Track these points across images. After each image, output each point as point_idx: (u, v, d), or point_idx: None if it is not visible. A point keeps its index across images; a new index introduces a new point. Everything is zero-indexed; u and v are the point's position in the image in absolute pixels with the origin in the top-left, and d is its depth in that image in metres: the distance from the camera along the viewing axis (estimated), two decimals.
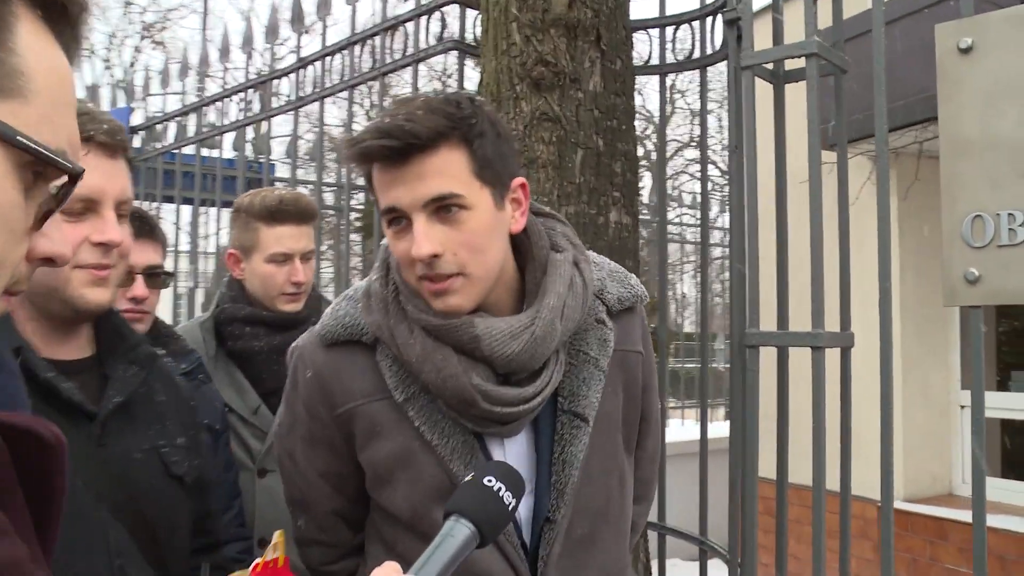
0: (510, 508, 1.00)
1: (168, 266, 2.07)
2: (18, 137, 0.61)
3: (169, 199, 4.58)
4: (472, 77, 3.23)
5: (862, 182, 4.91)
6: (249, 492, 2.11)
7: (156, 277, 1.92)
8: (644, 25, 2.83)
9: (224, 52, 4.11)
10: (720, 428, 4.56)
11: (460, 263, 1.28)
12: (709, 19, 2.77)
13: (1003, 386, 5.59)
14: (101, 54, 14.91)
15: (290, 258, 2.19)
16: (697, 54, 2.80)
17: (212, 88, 4.45)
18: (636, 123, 2.72)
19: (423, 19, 3.17)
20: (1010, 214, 1.51)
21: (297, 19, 3.66)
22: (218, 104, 4.24)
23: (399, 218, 1.29)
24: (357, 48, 3.46)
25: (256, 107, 4.01)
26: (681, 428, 7.41)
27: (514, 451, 1.38)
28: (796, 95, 2.33)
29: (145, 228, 1.91)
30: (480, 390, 1.29)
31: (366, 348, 1.40)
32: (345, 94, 3.64)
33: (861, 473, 2.21)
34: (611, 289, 1.48)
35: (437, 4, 3.09)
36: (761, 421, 2.17)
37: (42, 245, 0.67)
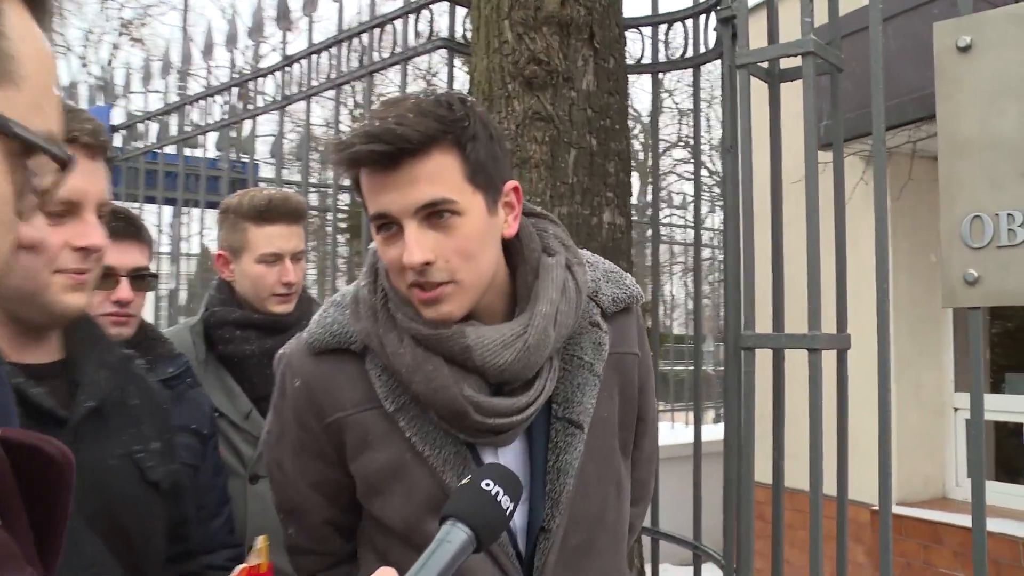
0: (508, 512, 0.99)
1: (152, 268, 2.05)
2: (10, 125, 0.60)
3: (151, 199, 4.56)
4: (460, 76, 3.23)
5: (855, 182, 4.95)
6: (240, 498, 2.10)
7: (142, 279, 1.90)
8: (637, 23, 2.84)
9: (207, 50, 4.09)
10: (710, 431, 4.57)
11: (452, 270, 1.26)
12: (703, 17, 2.78)
13: (996, 388, 5.63)
14: (78, 51, 14.82)
15: (280, 258, 2.18)
16: (690, 53, 2.81)
17: (195, 87, 4.42)
18: None
19: (411, 17, 3.16)
20: (1009, 214, 1.52)
21: (282, 16, 3.65)
22: (201, 103, 4.23)
23: (389, 224, 1.27)
24: (344, 46, 3.45)
25: (240, 106, 3.99)
26: (671, 431, 7.42)
27: (508, 460, 1.37)
28: (787, 94, 2.34)
29: (130, 229, 1.89)
30: (472, 401, 1.27)
31: (355, 356, 1.38)
32: (331, 93, 3.63)
33: (853, 476, 2.21)
34: (605, 290, 1.46)
35: (425, 2, 3.08)
36: (755, 424, 2.18)
37: (26, 232, 0.66)
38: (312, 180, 4.82)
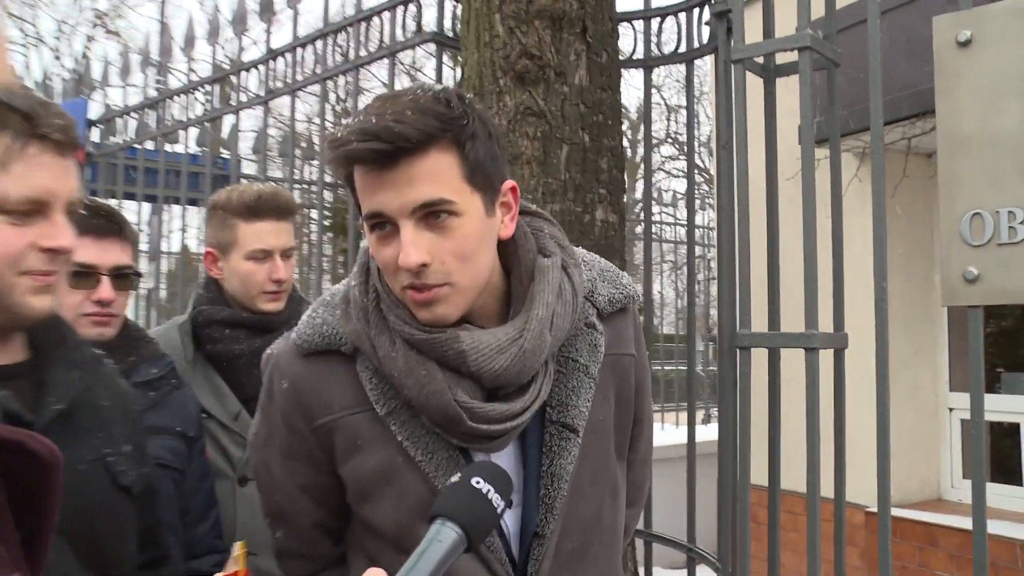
0: (498, 510, 0.99)
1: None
2: None
3: (130, 196, 4.54)
4: (447, 71, 3.23)
5: (848, 179, 4.97)
6: (228, 501, 2.09)
7: (124, 278, 1.88)
8: (629, 17, 2.85)
9: (188, 43, 4.07)
10: (700, 432, 4.59)
11: (448, 272, 1.25)
12: (696, 11, 2.79)
13: (991, 388, 5.67)
14: (50, 43, 14.71)
15: (270, 255, 2.17)
16: (683, 47, 2.82)
17: (175, 81, 4.41)
18: None
19: (399, 10, 3.16)
20: (1010, 212, 1.54)
21: (266, 8, 3.64)
22: (181, 97, 4.21)
23: (383, 223, 1.25)
24: (329, 40, 3.45)
25: (223, 101, 3.98)
26: (660, 432, 7.44)
27: (501, 463, 1.37)
28: (778, 90, 2.35)
29: (112, 226, 1.87)
30: (465, 408, 1.27)
31: (345, 358, 1.37)
32: (315, 88, 3.62)
33: (847, 477, 2.23)
34: (601, 290, 1.46)
35: None
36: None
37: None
38: (296, 177, 4.80)
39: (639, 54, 2.87)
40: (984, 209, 1.58)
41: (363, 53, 3.33)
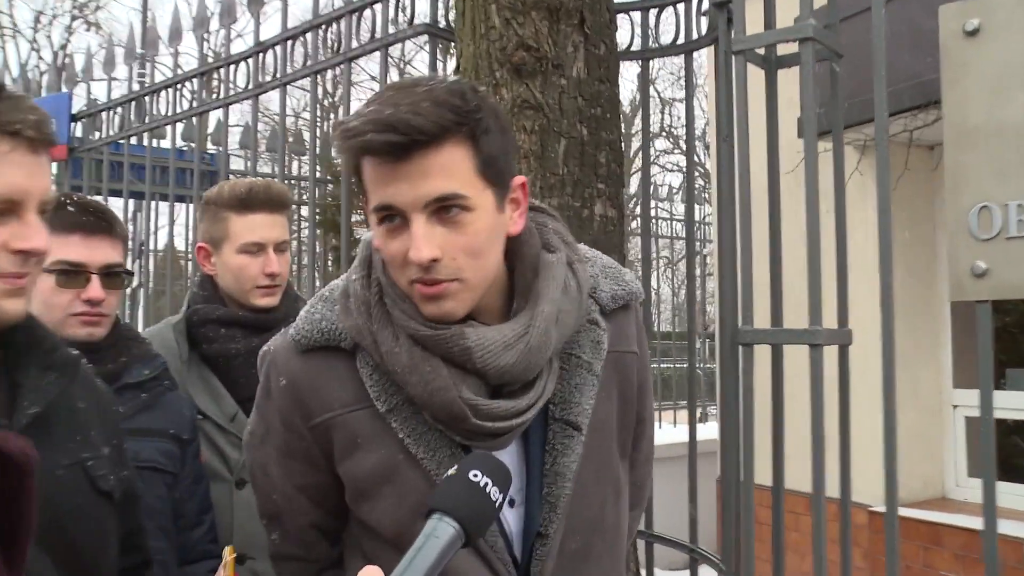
0: (497, 504, 0.99)
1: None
2: None
3: (115, 192, 4.52)
4: (440, 64, 3.23)
5: (848, 173, 4.99)
6: (225, 504, 2.09)
7: (115, 277, 1.87)
8: (627, 8, 2.85)
9: (174, 35, 4.06)
10: (698, 431, 4.60)
11: (458, 268, 1.25)
12: (694, 2, 2.80)
13: (996, 384, 5.70)
14: (28, 35, 14.64)
15: (263, 248, 2.17)
16: (681, 39, 2.82)
17: (160, 74, 4.39)
18: None
19: (391, 1, 3.15)
20: (1019, 204, 1.55)
21: (254, 1, 3.64)
22: (168, 91, 4.19)
23: (393, 216, 1.25)
24: (320, 32, 3.44)
25: (210, 94, 3.97)
26: (657, 431, 7.43)
27: (503, 462, 1.38)
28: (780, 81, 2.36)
29: (101, 223, 1.86)
30: (470, 405, 1.27)
31: (345, 354, 1.37)
32: (305, 81, 3.61)
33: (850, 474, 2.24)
34: (604, 287, 1.46)
35: None
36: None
37: None
38: (285, 172, 4.79)
39: (636, 46, 2.88)
40: (992, 202, 1.58)
41: (354, 45, 3.32)
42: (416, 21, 3.10)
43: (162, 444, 1.89)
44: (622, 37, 2.85)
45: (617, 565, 1.49)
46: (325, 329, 1.38)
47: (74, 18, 14.99)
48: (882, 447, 2.07)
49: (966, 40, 1.61)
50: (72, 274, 1.81)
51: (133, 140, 4.46)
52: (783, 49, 2.33)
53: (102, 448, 1.41)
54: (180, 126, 4.21)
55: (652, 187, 8.98)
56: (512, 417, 1.30)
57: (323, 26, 3.41)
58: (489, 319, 1.34)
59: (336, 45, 3.37)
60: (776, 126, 2.35)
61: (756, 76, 2.35)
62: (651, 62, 2.97)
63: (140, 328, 3.53)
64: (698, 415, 8.96)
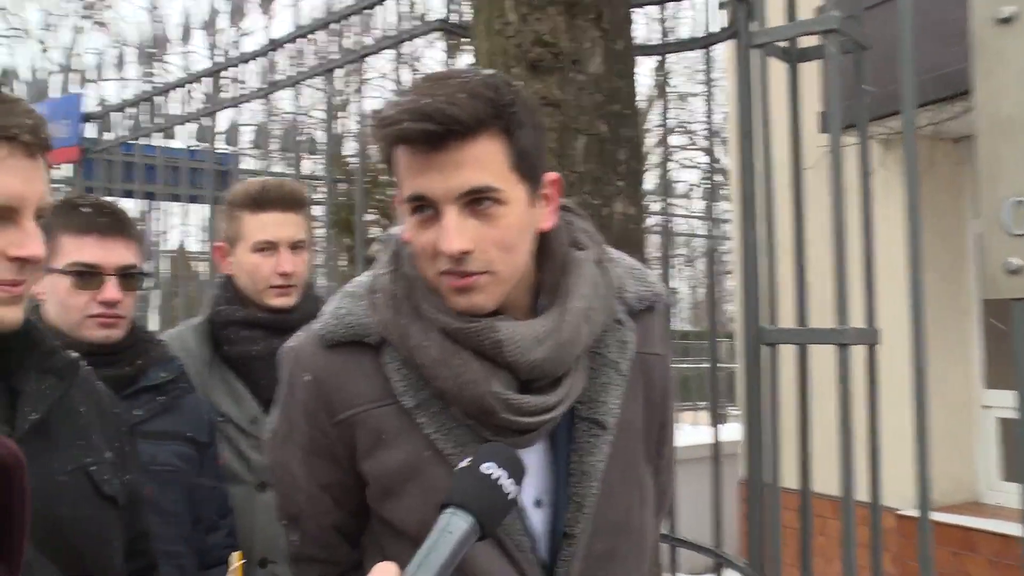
0: (510, 496, 0.98)
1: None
2: None
3: (128, 193, 4.54)
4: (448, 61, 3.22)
5: (872, 168, 4.96)
6: (247, 508, 2.09)
7: (131, 278, 1.89)
8: (645, 2, 2.83)
9: (185, 34, 4.07)
10: (727, 432, 4.59)
11: (489, 261, 1.26)
12: None
13: None
14: (37, 35, 14.73)
15: (276, 247, 2.18)
16: (700, 33, 2.81)
17: (170, 73, 4.41)
18: None
19: None
20: None
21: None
22: (179, 90, 4.20)
23: (425, 206, 1.26)
24: (332, 30, 3.44)
25: (223, 93, 3.98)
26: (678, 432, 7.41)
27: (530, 461, 1.36)
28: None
29: (117, 225, 1.88)
30: (500, 399, 1.27)
31: (370, 349, 1.37)
32: (317, 79, 3.62)
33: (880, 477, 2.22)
34: (630, 287, 1.47)
35: None
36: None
37: None
38: (299, 171, 4.80)
39: (652, 40, 2.86)
40: None
41: (367, 42, 3.32)
42: (429, 18, 3.10)
43: (179, 447, 1.90)
44: (638, 31, 2.84)
45: (642, 568, 1.49)
46: (351, 324, 1.38)
47: (83, 18, 15.08)
48: (911, 449, 2.06)
49: (1000, 28, 1.59)
50: (88, 275, 1.82)
51: (145, 140, 4.48)
52: (805, 41, 2.31)
53: (105, 452, 1.41)
54: (192, 126, 4.22)
55: (670, 183, 8.98)
56: (541, 413, 1.30)
57: (336, 23, 3.41)
58: (515, 315, 1.34)
59: (347, 42, 3.37)
60: (798, 121, 2.34)
61: (776, 68, 2.34)
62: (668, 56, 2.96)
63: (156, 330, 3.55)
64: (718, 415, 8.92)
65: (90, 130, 4.70)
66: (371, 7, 3.29)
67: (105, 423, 1.46)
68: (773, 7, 2.34)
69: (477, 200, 1.24)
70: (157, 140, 4.44)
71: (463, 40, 2.84)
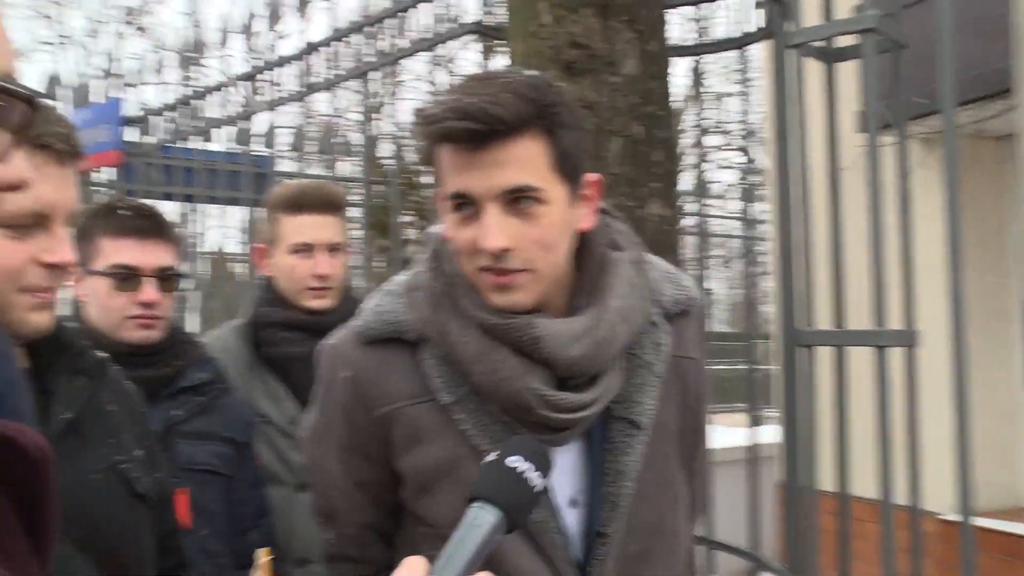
0: (537, 489, 0.99)
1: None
2: None
3: (166, 196, 4.61)
4: (488, 62, 3.23)
5: (912, 167, 4.90)
6: (286, 508, 2.11)
7: (169, 279, 1.92)
8: (679, 3, 2.82)
9: (223, 38, 4.12)
10: (767, 434, 4.55)
11: (528, 259, 1.28)
12: None
13: None
14: (80, 42, 14.97)
15: (313, 249, 2.20)
16: (735, 33, 2.79)
17: (208, 77, 4.46)
18: None
19: (439, 1, 3.17)
20: None
21: (302, 2, 3.67)
22: (219, 93, 4.25)
23: (467, 204, 1.29)
24: (367, 33, 3.46)
25: (260, 96, 4.02)
26: (715, 434, 7.35)
27: (565, 460, 1.38)
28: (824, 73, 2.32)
29: (154, 227, 1.91)
30: (537, 394, 1.29)
31: (408, 346, 1.39)
32: (352, 82, 3.64)
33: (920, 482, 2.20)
34: (666, 291, 1.48)
35: None
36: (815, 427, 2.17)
37: (3, 173, 0.68)
38: (333, 174, 4.84)
39: (688, 40, 2.85)
40: None
41: (403, 45, 3.34)
42: (463, 20, 3.11)
43: (217, 447, 1.93)
44: (674, 32, 2.83)
45: (675, 571, 1.49)
46: (389, 321, 1.40)
47: (125, 24, 15.29)
48: (953, 453, 2.03)
49: None
50: (127, 277, 1.85)
51: (184, 144, 4.54)
52: (841, 40, 2.29)
53: (134, 450, 1.44)
54: (230, 128, 4.27)
55: (706, 184, 8.93)
56: (577, 410, 1.32)
57: (371, 26, 3.44)
58: (552, 314, 1.36)
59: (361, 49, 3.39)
60: (835, 121, 2.32)
61: (812, 68, 2.32)
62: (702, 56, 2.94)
63: (195, 332, 3.60)
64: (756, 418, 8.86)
65: (131, 134, 4.76)
66: (405, 10, 3.31)
67: (134, 422, 1.49)
68: (809, 6, 2.33)
69: (518, 199, 1.26)
70: (196, 143, 4.50)
71: (498, 42, 2.85)
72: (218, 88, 4.26)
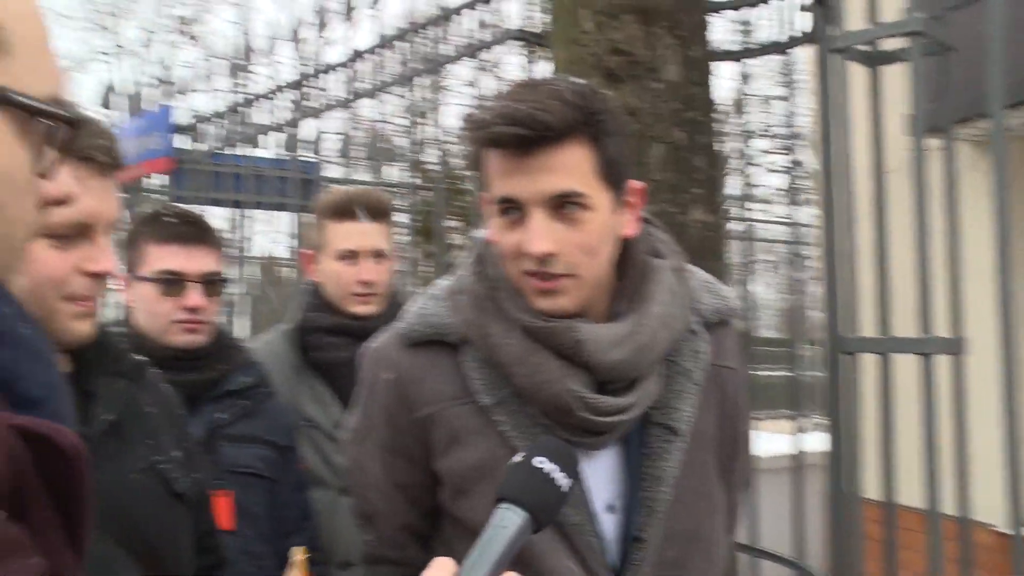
0: (563, 491, 0.99)
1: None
2: (10, 94, 0.64)
3: (216, 202, 4.68)
4: (532, 69, 3.24)
5: (962, 170, 4.80)
6: (329, 511, 2.13)
7: (213, 284, 1.95)
8: (722, 7, 2.81)
9: (270, 46, 4.18)
10: (810, 442, 4.49)
11: (572, 264, 1.30)
12: None
13: None
14: (134, 51, 15.26)
15: (358, 255, 2.23)
16: (779, 37, 2.77)
17: (256, 84, 4.52)
18: None
19: (482, 8, 3.18)
20: None
21: (347, 10, 3.71)
22: (267, 100, 4.31)
23: (513, 208, 1.30)
24: (412, 39, 3.49)
25: (307, 103, 4.07)
26: (766, 442, 7.26)
27: (602, 465, 1.39)
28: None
29: (199, 233, 1.95)
30: (577, 397, 1.30)
31: (450, 349, 1.41)
32: (395, 88, 3.67)
33: (972, 493, 2.16)
34: (705, 300, 1.48)
35: None
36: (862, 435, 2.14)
37: (50, 189, 0.70)
38: (380, 180, 4.87)
39: (732, 45, 2.83)
40: None
41: (446, 52, 3.36)
42: (507, 27, 3.12)
43: (260, 450, 1.96)
44: (719, 36, 2.81)
45: None
46: (433, 323, 1.42)
47: (178, 33, 15.55)
48: (1003, 462, 1.99)
49: None
50: (172, 283, 1.89)
51: (233, 150, 4.61)
52: (886, 44, 2.26)
53: (172, 451, 1.47)
54: (278, 135, 4.33)
55: (753, 188, 8.84)
56: (616, 413, 1.33)
57: (415, 33, 3.46)
58: (593, 319, 1.37)
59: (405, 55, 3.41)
60: (880, 125, 2.29)
61: (857, 71, 2.29)
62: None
63: (245, 335, 3.65)
64: (808, 426, 8.73)
65: (182, 141, 4.85)
66: (450, 17, 3.33)
67: (172, 424, 1.52)
68: (854, 10, 2.30)
69: (563, 204, 1.28)
70: (244, 149, 4.57)
71: (541, 49, 2.86)
72: (266, 95, 4.31)
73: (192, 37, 15.16)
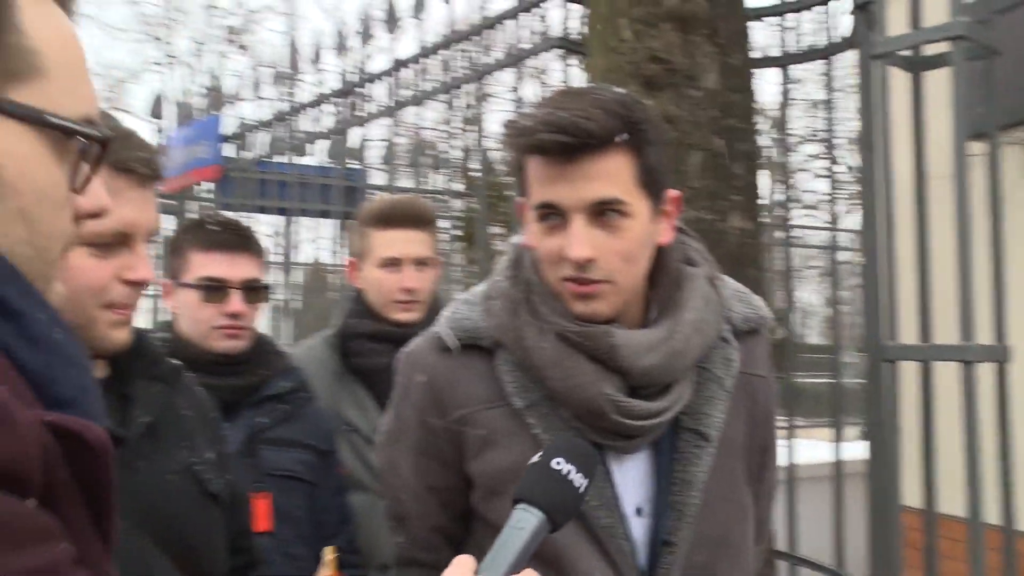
0: (580, 490, 1.00)
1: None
2: (46, 116, 0.66)
3: (263, 209, 4.75)
4: (573, 76, 3.25)
5: (1009, 176, 4.71)
6: (369, 515, 2.13)
7: (255, 291, 1.99)
8: (763, 13, 2.80)
9: (316, 56, 4.24)
10: (854, 449, 4.44)
11: (610, 271, 1.31)
12: (834, 3, 2.72)
13: None
14: (185, 61, 15.52)
15: (401, 263, 2.25)
16: (821, 42, 2.75)
17: (303, 93, 4.59)
18: None
19: (524, 16, 3.20)
20: None
21: (391, 19, 3.76)
22: (312, 109, 4.37)
23: (553, 214, 1.32)
24: (455, 48, 3.52)
25: (350, 113, 4.12)
26: (811, 449, 7.19)
27: (633, 469, 1.40)
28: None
29: (240, 240, 1.98)
30: (610, 400, 1.31)
31: (484, 353, 1.42)
32: (441, 97, 3.70)
33: (1017, 502, 2.12)
34: (736, 308, 1.49)
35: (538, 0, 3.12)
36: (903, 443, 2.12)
37: (84, 203, 0.73)
38: (425, 187, 4.92)
39: (774, 51, 2.82)
40: None
41: (489, 60, 3.39)
42: (549, 35, 3.14)
43: (300, 454, 1.99)
44: (761, 42, 2.80)
45: None
46: (467, 328, 1.44)
47: (227, 42, 15.77)
48: None
49: None
50: (215, 289, 1.93)
51: (279, 158, 4.68)
52: (929, 49, 2.24)
53: (207, 453, 1.49)
54: (323, 143, 4.39)
55: (798, 194, 8.73)
56: (648, 417, 1.34)
57: (457, 42, 3.49)
58: (627, 324, 1.38)
59: (470, 60, 3.44)
60: (923, 131, 2.27)
61: (900, 76, 2.27)
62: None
63: (289, 342, 3.70)
64: (857, 433, 8.60)
65: (229, 149, 4.93)
66: (492, 26, 3.35)
67: (207, 426, 1.55)
68: (897, 15, 2.28)
69: (604, 211, 1.30)
70: (290, 157, 4.63)
71: (582, 56, 2.87)
72: (312, 103, 4.37)
73: (241, 47, 15.37)
